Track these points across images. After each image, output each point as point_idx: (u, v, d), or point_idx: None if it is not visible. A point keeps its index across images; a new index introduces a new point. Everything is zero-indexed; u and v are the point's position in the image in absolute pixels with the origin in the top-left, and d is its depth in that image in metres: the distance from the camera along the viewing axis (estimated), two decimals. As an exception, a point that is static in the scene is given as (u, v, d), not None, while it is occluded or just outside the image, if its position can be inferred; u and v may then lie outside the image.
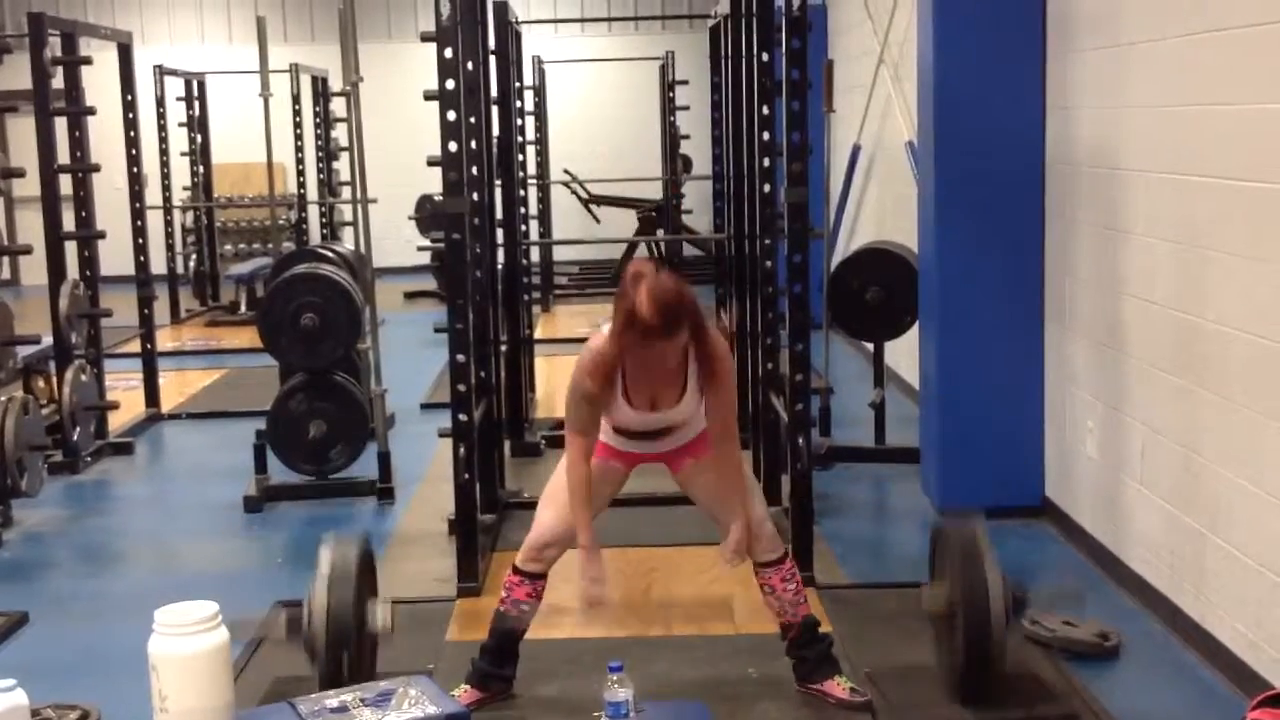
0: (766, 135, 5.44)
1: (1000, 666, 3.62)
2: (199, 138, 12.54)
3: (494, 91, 6.40)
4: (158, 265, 9.16)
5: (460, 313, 4.75)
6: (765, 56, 5.47)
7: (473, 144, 5.10)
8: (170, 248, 12.02)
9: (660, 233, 13.01)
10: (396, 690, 2.73)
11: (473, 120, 5.11)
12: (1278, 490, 3.60)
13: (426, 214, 12.21)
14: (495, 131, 6.40)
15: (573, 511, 3.63)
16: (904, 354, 7.18)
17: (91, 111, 6.94)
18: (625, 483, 3.87)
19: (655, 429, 3.66)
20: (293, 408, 6.10)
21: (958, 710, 3.67)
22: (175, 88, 12.14)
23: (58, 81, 6.84)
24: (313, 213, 12.89)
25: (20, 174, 5.90)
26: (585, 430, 3.58)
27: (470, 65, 5.12)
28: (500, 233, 6.65)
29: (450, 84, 4.62)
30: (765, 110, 5.46)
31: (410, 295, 12.81)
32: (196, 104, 12.47)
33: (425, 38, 4.87)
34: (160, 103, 11.54)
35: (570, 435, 3.61)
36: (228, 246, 14.22)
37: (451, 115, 4.62)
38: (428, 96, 5.08)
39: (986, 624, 3.55)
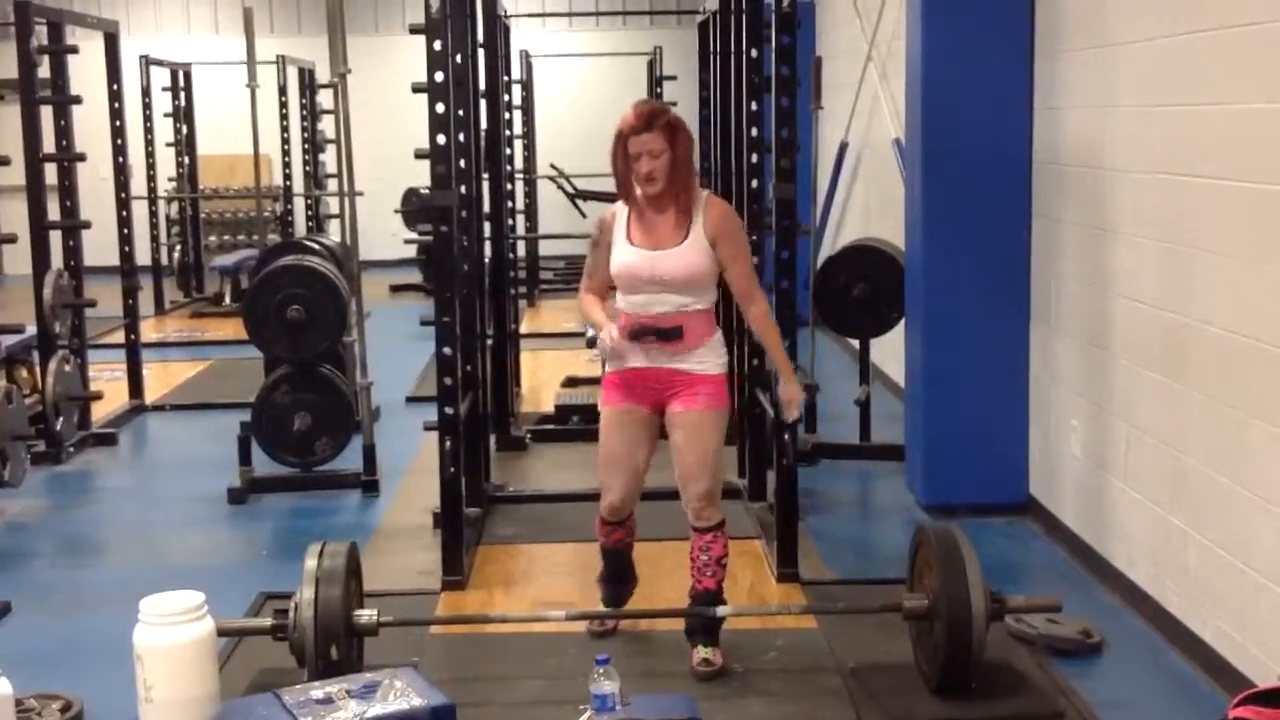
0: (755, 131, 5.45)
1: (977, 666, 3.67)
2: (184, 128, 12.50)
3: (482, 85, 6.38)
4: (142, 256, 9.12)
5: (448, 306, 4.73)
6: (754, 53, 5.47)
7: (460, 137, 5.09)
8: (155, 239, 11.97)
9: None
10: (382, 682, 2.73)
11: (461, 113, 5.10)
12: (1261, 489, 3.62)
13: (412, 207, 12.19)
14: (483, 125, 6.37)
15: (587, 312, 4.08)
16: (889, 351, 7.19)
17: (77, 100, 6.92)
18: (655, 436, 4.06)
19: (657, 282, 3.88)
20: (278, 400, 6.09)
21: (938, 705, 3.70)
22: (161, 78, 12.09)
23: (44, 71, 6.82)
24: (298, 205, 12.85)
25: (6, 162, 5.87)
26: (591, 274, 4.09)
27: (459, 58, 5.11)
28: (487, 226, 6.64)
29: (439, 76, 4.61)
30: (754, 106, 5.47)
31: (396, 288, 12.79)
32: (182, 95, 12.42)
33: (414, 30, 4.85)
34: (146, 93, 11.50)
35: (582, 282, 4.14)
36: (212, 238, 14.17)
37: (440, 108, 4.61)
38: (415, 89, 5.07)
39: (967, 627, 3.60)
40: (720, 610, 4.00)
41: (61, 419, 6.62)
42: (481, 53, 6.40)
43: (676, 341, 3.91)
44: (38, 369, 6.89)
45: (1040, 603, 4.04)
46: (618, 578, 4.36)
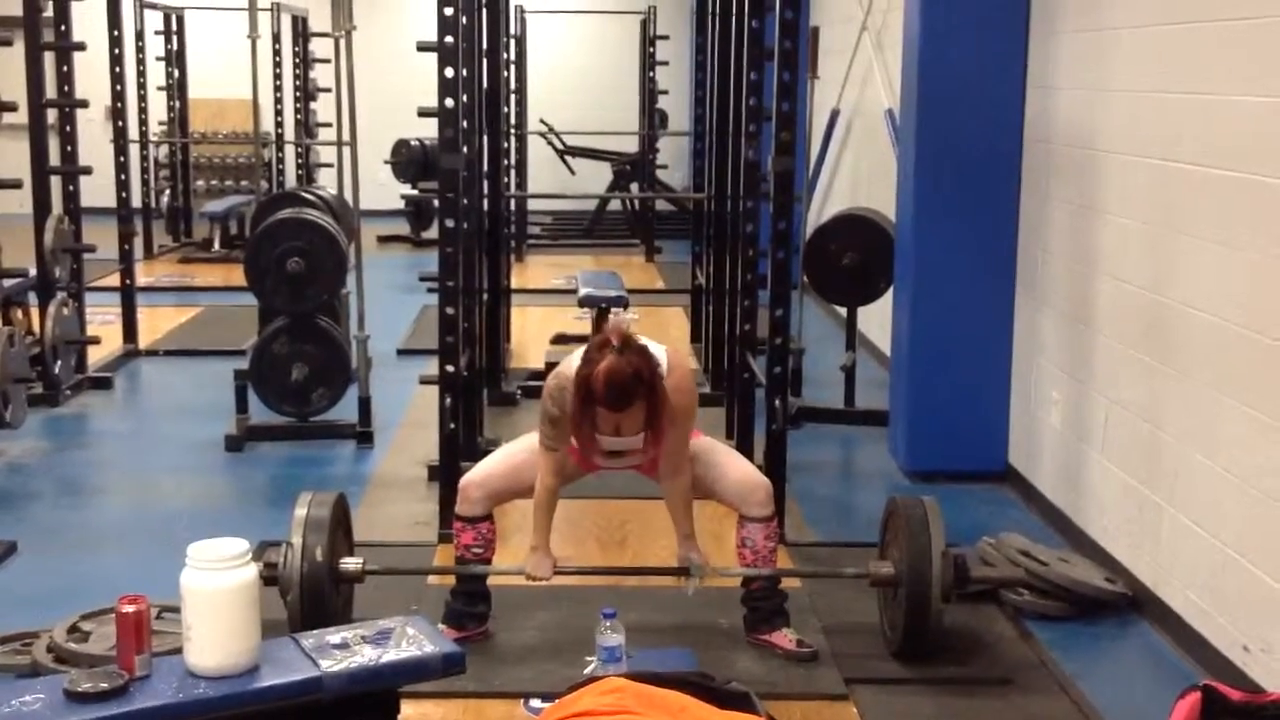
0: (753, 101, 5.54)
1: (936, 634, 3.82)
2: (176, 72, 12.50)
3: (484, 44, 6.45)
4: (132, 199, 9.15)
5: (451, 267, 4.82)
6: (755, 23, 5.56)
7: (464, 98, 5.17)
8: (145, 183, 11.99)
9: (635, 188, 13.11)
10: (395, 629, 2.86)
11: (464, 73, 5.18)
12: (1233, 467, 3.78)
13: (403, 159, 12.24)
14: (483, 84, 6.45)
15: (534, 518, 3.86)
16: (875, 319, 7.32)
17: (81, 47, 6.96)
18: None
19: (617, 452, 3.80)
20: (276, 350, 6.19)
21: (893, 666, 3.87)
22: (154, 21, 12.08)
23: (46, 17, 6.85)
24: (289, 153, 12.88)
25: (12, 108, 5.93)
26: (555, 446, 3.78)
27: (464, 19, 5.18)
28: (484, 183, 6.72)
29: (449, 40, 4.68)
30: (753, 76, 5.56)
31: (383, 239, 12.85)
32: (175, 38, 12.42)
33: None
34: (140, 36, 11.49)
35: (541, 450, 3.81)
36: (199, 182, 14.17)
37: (449, 72, 4.68)
38: (422, 48, 5.15)
39: (927, 596, 3.75)
40: (694, 567, 4.02)
41: (59, 362, 6.71)
42: (484, 11, 6.45)
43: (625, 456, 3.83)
44: (34, 311, 6.97)
45: (1003, 576, 4.20)
46: (469, 590, 4.01)
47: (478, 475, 3.95)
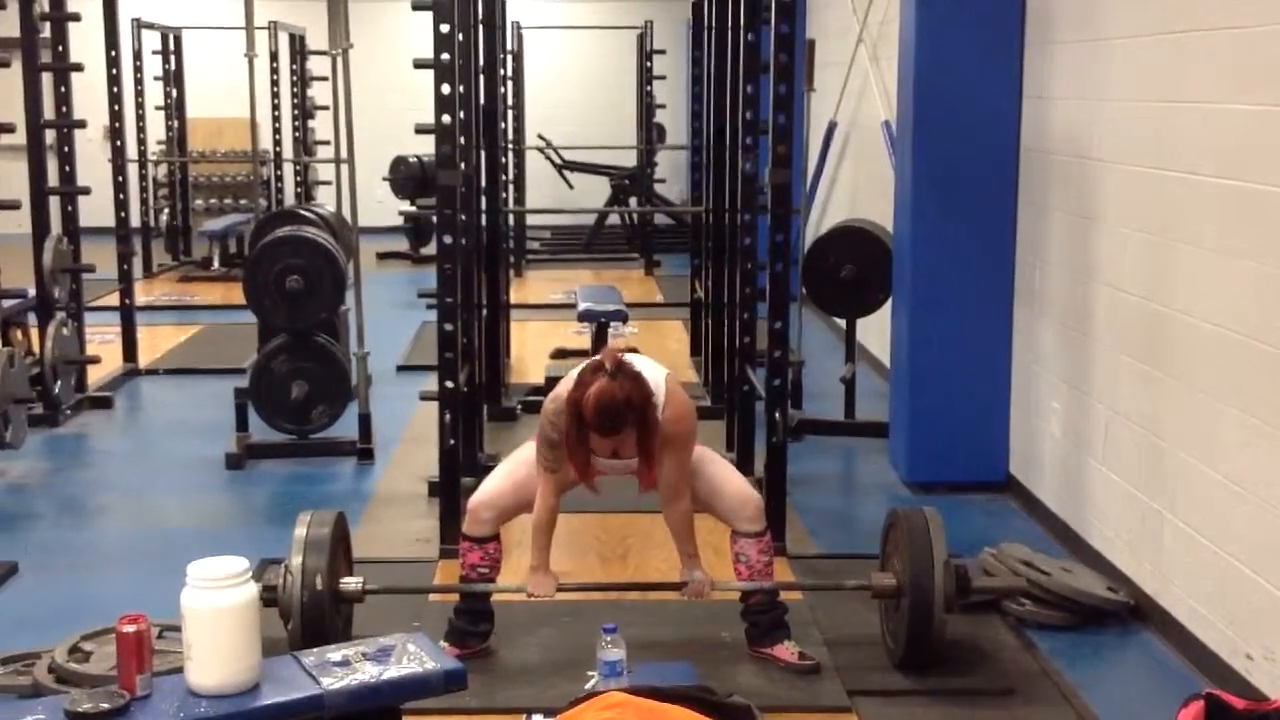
0: (750, 114, 5.55)
1: (944, 644, 3.82)
2: (174, 92, 12.52)
3: (480, 60, 6.46)
4: (131, 219, 9.15)
5: (449, 283, 4.83)
6: (751, 37, 5.57)
7: (462, 114, 5.18)
8: (144, 202, 12.00)
9: (634, 202, 13.13)
10: (395, 646, 2.86)
11: (461, 90, 5.18)
12: (1233, 474, 3.77)
13: (401, 175, 12.25)
14: (481, 100, 6.46)
15: (534, 537, 3.86)
16: (874, 330, 7.32)
17: (79, 68, 6.97)
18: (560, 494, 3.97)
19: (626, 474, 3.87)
20: (275, 368, 6.20)
21: (896, 678, 3.86)
22: (152, 41, 12.11)
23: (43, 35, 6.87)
24: (287, 171, 12.90)
25: (10, 129, 5.94)
26: (555, 468, 3.76)
27: (461, 35, 5.19)
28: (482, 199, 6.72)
29: (445, 57, 4.69)
30: (749, 89, 5.57)
31: (382, 256, 12.86)
32: (173, 58, 12.44)
33: (418, 7, 4.94)
34: (137, 56, 11.53)
35: (540, 471, 3.80)
36: (198, 201, 14.18)
37: (445, 89, 4.69)
38: (418, 65, 5.16)
39: (929, 607, 3.74)
40: (694, 581, 3.97)
41: (59, 382, 6.71)
42: (481, 28, 6.47)
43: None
44: (33, 331, 6.97)
45: (1005, 586, 4.19)
46: (472, 609, 3.99)
47: (486, 495, 3.94)
